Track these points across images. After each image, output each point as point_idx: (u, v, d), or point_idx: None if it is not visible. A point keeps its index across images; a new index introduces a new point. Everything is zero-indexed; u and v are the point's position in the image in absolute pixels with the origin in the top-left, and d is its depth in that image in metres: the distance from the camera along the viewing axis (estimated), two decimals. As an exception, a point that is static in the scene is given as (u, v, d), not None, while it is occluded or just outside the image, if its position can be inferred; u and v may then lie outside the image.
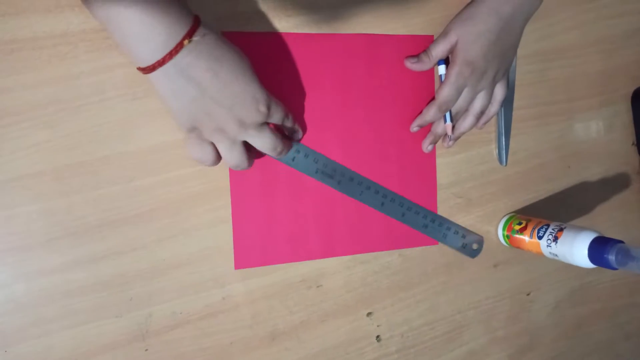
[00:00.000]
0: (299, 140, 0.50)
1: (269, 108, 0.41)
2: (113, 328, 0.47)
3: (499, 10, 0.49)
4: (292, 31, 0.50)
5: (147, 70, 0.37)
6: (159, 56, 0.36)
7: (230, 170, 0.49)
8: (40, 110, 0.43)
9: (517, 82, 0.59)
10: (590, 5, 0.63)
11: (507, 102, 0.59)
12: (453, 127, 0.54)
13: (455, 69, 0.50)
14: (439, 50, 0.51)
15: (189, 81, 0.37)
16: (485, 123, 0.56)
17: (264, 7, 0.49)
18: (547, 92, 0.62)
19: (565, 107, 0.63)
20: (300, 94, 0.51)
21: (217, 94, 0.38)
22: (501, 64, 0.52)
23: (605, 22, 0.64)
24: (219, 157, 0.43)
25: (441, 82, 0.52)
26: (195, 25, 0.37)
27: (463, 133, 0.55)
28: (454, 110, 0.53)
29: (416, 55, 0.53)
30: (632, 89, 0.66)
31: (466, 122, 0.54)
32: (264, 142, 0.43)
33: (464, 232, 0.57)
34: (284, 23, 0.50)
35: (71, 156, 0.45)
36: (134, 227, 0.47)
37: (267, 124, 0.43)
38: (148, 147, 0.47)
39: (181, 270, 0.48)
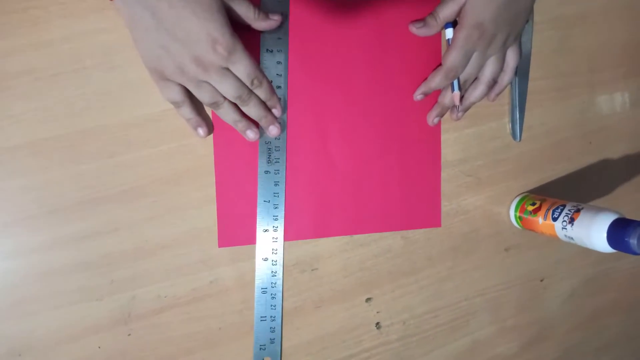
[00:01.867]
0: (277, 118, 0.46)
1: (229, 52, 0.39)
2: (95, 311, 0.44)
3: None
4: (285, -6, 0.46)
5: None
6: None
7: (215, 145, 0.46)
8: (13, 80, 0.41)
9: (534, 50, 0.54)
10: (617, -35, 0.57)
11: (522, 72, 0.54)
12: (461, 97, 0.50)
13: (463, 32, 0.45)
14: (447, 11, 0.47)
15: (145, 9, 0.37)
16: (498, 94, 0.51)
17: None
18: (567, 61, 0.56)
19: (587, 79, 0.57)
20: (302, 54, 0.47)
21: (172, 26, 0.37)
22: (512, 29, 0.47)
23: (634, -16, 0.58)
24: (189, 98, 0.42)
25: (448, 47, 0.47)
26: None
27: (473, 103, 0.51)
28: (462, 78, 0.48)
29: (422, 20, 0.48)
30: (662, 59, 0.60)
31: (477, 92, 0.50)
32: (227, 86, 0.41)
33: None
34: (276, -15, 0.46)
35: (48, 129, 0.42)
36: (117, 206, 0.44)
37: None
38: (129, 120, 0.44)
39: (167, 252, 0.46)
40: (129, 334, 0.45)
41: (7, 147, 0.41)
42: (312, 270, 0.50)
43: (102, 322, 0.45)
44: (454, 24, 0.47)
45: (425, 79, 0.50)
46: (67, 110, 0.42)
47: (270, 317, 0.48)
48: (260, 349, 0.48)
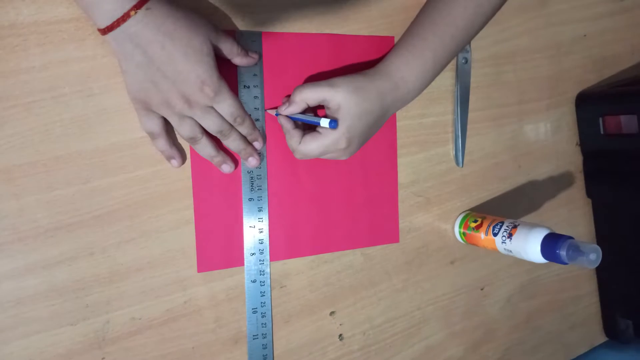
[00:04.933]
0: (258, 150, 0.49)
1: (215, 93, 0.42)
2: (68, 337, 0.44)
3: (384, 98, 0.48)
4: (255, 29, 0.49)
5: (101, 32, 0.38)
6: (108, 22, 0.37)
7: (193, 171, 0.48)
8: (-13, 106, 0.41)
9: (472, 85, 0.61)
10: (539, 12, 0.66)
11: (463, 105, 0.61)
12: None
13: (335, 135, 0.46)
14: (315, 95, 0.46)
15: (137, 48, 0.39)
16: None
17: (228, 3, 0.48)
18: (500, 94, 0.64)
19: (516, 109, 0.66)
20: (269, 88, 0.50)
21: (163, 65, 0.39)
22: (361, 144, 0.49)
23: (553, 29, 0.67)
24: (166, 131, 0.44)
25: (308, 132, 0.48)
26: None
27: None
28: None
29: (287, 101, 0.48)
30: (576, 92, 0.70)
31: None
32: (209, 123, 0.43)
33: None
34: (248, 20, 0.49)
35: (22, 156, 0.42)
36: (91, 231, 0.45)
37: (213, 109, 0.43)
38: (105, 147, 0.45)
39: (141, 275, 0.47)
40: (103, 357, 0.46)
41: (-22, 174, 0.41)
42: (281, 287, 0.53)
43: (75, 347, 0.45)
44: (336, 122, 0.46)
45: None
46: (43, 137, 0.42)
47: (262, 334, 0.51)
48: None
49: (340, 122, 0.46)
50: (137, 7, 0.37)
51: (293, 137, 0.48)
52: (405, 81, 0.49)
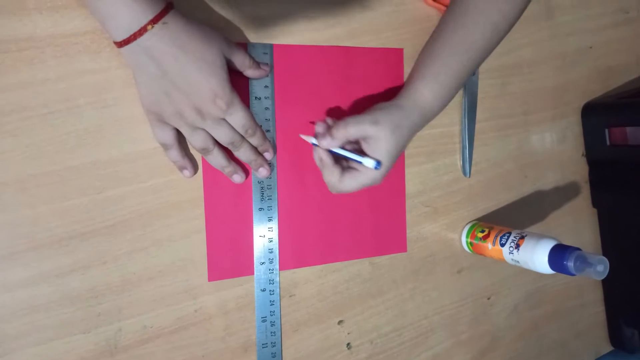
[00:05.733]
0: (269, 160, 0.49)
1: (228, 106, 0.42)
2: (80, 344, 0.45)
3: (415, 131, 0.50)
4: (267, 41, 0.50)
5: (117, 45, 0.39)
6: (125, 35, 0.38)
7: (205, 181, 0.48)
8: (4, 117, 0.41)
9: (479, 96, 0.62)
10: (546, 24, 0.66)
11: (471, 116, 0.61)
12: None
13: (376, 176, 0.47)
14: (360, 133, 0.46)
15: (152, 60, 0.39)
16: None
17: (241, 15, 0.48)
18: (506, 105, 0.65)
19: (522, 120, 0.66)
20: (280, 100, 0.51)
21: (177, 78, 0.40)
22: None
23: (559, 39, 0.68)
24: (178, 142, 0.45)
25: (348, 169, 0.48)
26: (163, 12, 0.39)
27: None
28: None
29: (329, 132, 0.47)
30: (582, 103, 0.71)
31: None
32: (221, 134, 0.44)
33: None
34: (261, 33, 0.50)
35: (37, 166, 0.43)
36: (104, 240, 0.45)
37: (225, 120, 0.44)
38: (119, 157, 0.45)
39: (153, 283, 0.47)
40: (115, 366, 0.46)
41: (-6, 183, 0.42)
42: (290, 296, 0.53)
43: (87, 355, 0.45)
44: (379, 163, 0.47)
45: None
46: (58, 147, 0.43)
47: (271, 343, 0.51)
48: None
49: (384, 162, 0.47)
50: (154, 21, 0.38)
51: (333, 173, 0.47)
52: (432, 111, 0.51)
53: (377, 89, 0.56)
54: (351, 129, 0.46)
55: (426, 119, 0.51)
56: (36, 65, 0.42)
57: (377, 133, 0.46)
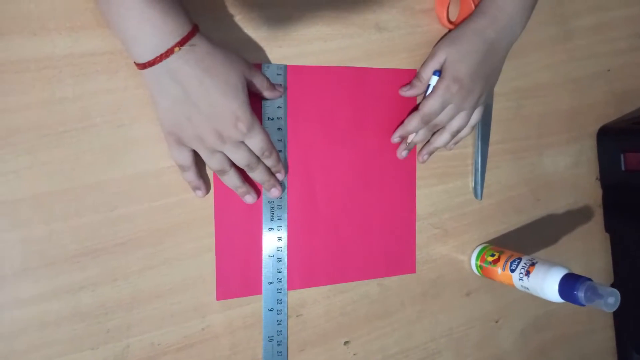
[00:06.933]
0: (280, 181, 0.50)
1: (248, 129, 0.42)
2: (89, 360, 0.45)
3: (483, 34, 0.52)
4: (281, 62, 0.50)
5: (140, 66, 0.39)
6: (150, 57, 0.38)
7: (216, 201, 0.49)
8: (22, 135, 0.42)
9: (494, 118, 0.62)
10: (562, 47, 0.66)
11: (484, 138, 0.61)
12: (428, 141, 0.56)
13: (444, 83, 0.52)
14: (429, 71, 0.53)
15: (175, 83, 0.40)
16: (455, 144, 0.58)
17: (256, 37, 0.49)
18: (520, 128, 0.64)
19: (536, 143, 0.66)
20: (292, 121, 0.51)
21: (199, 101, 0.40)
22: (485, 86, 0.54)
23: (576, 63, 0.67)
24: (195, 163, 0.45)
25: (426, 95, 0.53)
26: (190, 35, 0.39)
27: (437, 148, 0.57)
28: (432, 123, 0.54)
29: (408, 83, 0.55)
30: (597, 127, 0.70)
31: (442, 138, 0.56)
32: (239, 157, 0.44)
33: None
34: (275, 54, 0.50)
35: (52, 183, 0.43)
36: (115, 257, 0.46)
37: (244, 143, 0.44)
38: (132, 175, 0.46)
39: (162, 301, 0.48)
40: (122, 382, 0.46)
41: (10, 200, 0.42)
42: (297, 316, 0.53)
43: (95, 371, 0.46)
44: (440, 72, 0.53)
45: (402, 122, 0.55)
46: (74, 165, 0.44)
47: None
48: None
49: (443, 69, 0.52)
50: (181, 43, 0.38)
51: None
52: (502, 10, 0.52)
53: (390, 109, 0.55)
54: (424, 74, 0.53)
55: (499, 21, 0.52)
56: (54, 84, 0.42)
57: (439, 57, 0.52)
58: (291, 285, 0.52)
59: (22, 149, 0.42)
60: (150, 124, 0.45)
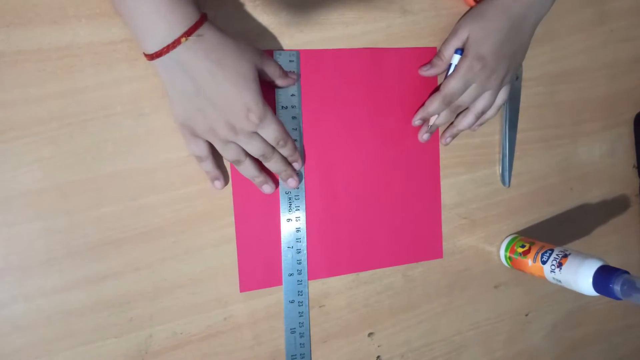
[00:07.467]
0: (297, 170, 0.49)
1: (260, 120, 0.41)
2: (112, 349, 0.45)
3: (508, 9, 0.49)
4: (303, 48, 0.49)
5: (149, 57, 0.39)
6: (157, 48, 0.38)
7: (234, 191, 0.48)
8: (44, 125, 0.42)
9: (523, 104, 0.59)
10: (598, 29, 0.63)
11: (512, 124, 0.59)
12: (451, 123, 0.54)
13: (466, 62, 0.49)
14: (451, 49, 0.51)
15: (186, 75, 0.39)
16: (480, 125, 0.55)
17: (276, 22, 0.48)
18: (553, 114, 0.62)
19: (570, 130, 0.63)
20: (306, 108, 0.50)
21: (210, 93, 0.39)
22: (511, 64, 0.51)
23: (613, 46, 0.64)
24: (212, 154, 0.45)
25: (447, 75, 0.51)
26: (197, 24, 0.38)
27: (461, 131, 0.55)
28: (455, 104, 0.52)
29: (428, 62, 0.53)
30: (634, 113, 0.67)
31: (466, 120, 0.54)
32: (253, 147, 0.43)
33: None
34: (296, 40, 0.49)
35: (75, 173, 0.43)
36: (137, 247, 0.46)
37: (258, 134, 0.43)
38: (154, 165, 0.45)
39: (184, 290, 0.47)
40: (145, 371, 0.47)
41: (33, 190, 0.42)
42: (320, 307, 0.52)
43: (119, 359, 0.46)
44: (462, 51, 0.51)
45: (423, 104, 0.53)
46: (95, 155, 0.44)
47: (300, 354, 0.51)
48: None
49: (466, 47, 0.50)
50: (188, 33, 0.37)
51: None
52: None
53: (409, 91, 0.53)
54: (446, 52, 0.51)
55: None
56: (75, 73, 0.42)
57: (461, 34, 0.50)
58: (312, 275, 0.51)
59: (45, 138, 0.42)
60: (170, 113, 0.45)
